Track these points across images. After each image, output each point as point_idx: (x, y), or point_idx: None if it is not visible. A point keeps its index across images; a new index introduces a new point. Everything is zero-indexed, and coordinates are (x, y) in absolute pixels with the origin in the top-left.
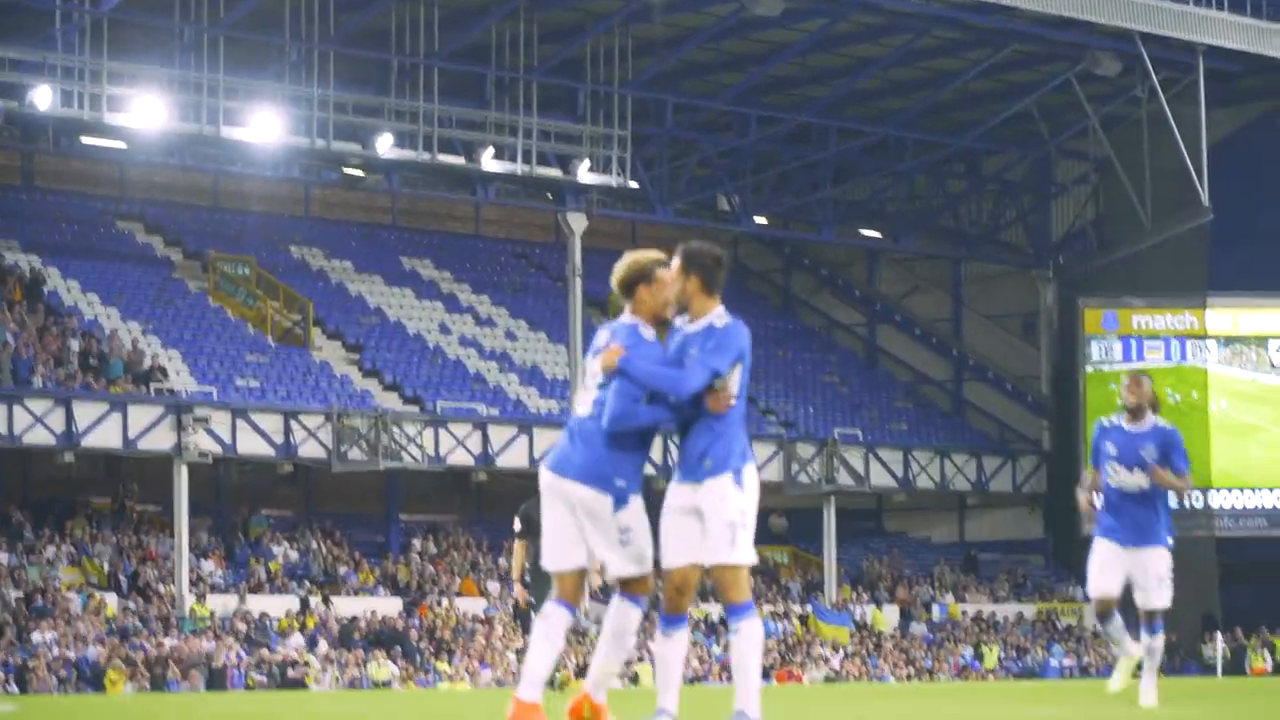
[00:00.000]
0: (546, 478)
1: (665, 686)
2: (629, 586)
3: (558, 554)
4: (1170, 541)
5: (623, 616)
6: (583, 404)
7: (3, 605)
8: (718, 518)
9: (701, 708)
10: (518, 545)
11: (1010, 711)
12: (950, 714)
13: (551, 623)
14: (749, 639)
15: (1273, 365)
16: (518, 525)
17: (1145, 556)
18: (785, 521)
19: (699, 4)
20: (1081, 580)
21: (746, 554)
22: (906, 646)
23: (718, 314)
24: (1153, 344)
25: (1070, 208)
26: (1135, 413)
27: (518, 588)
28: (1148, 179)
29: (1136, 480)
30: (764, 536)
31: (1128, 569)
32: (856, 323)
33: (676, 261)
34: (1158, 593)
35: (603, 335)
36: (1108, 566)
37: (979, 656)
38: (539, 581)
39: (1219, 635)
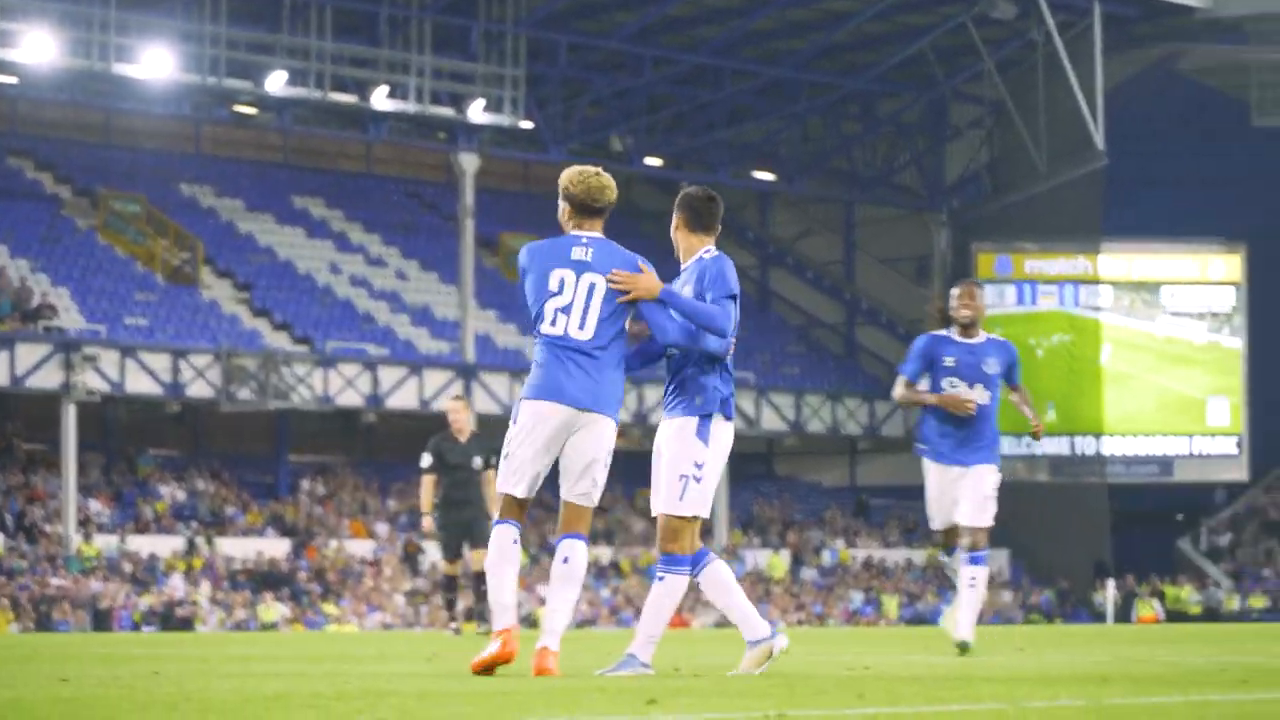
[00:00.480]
0: (549, 408)
1: (642, 630)
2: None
3: (531, 481)
4: (999, 461)
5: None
6: (582, 329)
7: None
8: (673, 467)
9: (590, 650)
10: (426, 480)
11: (902, 659)
12: (841, 661)
13: (507, 543)
14: (668, 591)
15: (1166, 312)
16: (427, 460)
17: (973, 474)
18: None
19: None
20: None
21: (693, 507)
22: (797, 591)
23: (705, 250)
24: (1046, 289)
25: (965, 151)
26: (970, 327)
27: (426, 520)
28: (1043, 123)
29: (978, 395)
30: None
31: (957, 489)
32: (749, 265)
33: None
34: (981, 512)
35: (582, 252)
36: (945, 493)
37: (870, 602)
38: (449, 516)
39: (1110, 582)
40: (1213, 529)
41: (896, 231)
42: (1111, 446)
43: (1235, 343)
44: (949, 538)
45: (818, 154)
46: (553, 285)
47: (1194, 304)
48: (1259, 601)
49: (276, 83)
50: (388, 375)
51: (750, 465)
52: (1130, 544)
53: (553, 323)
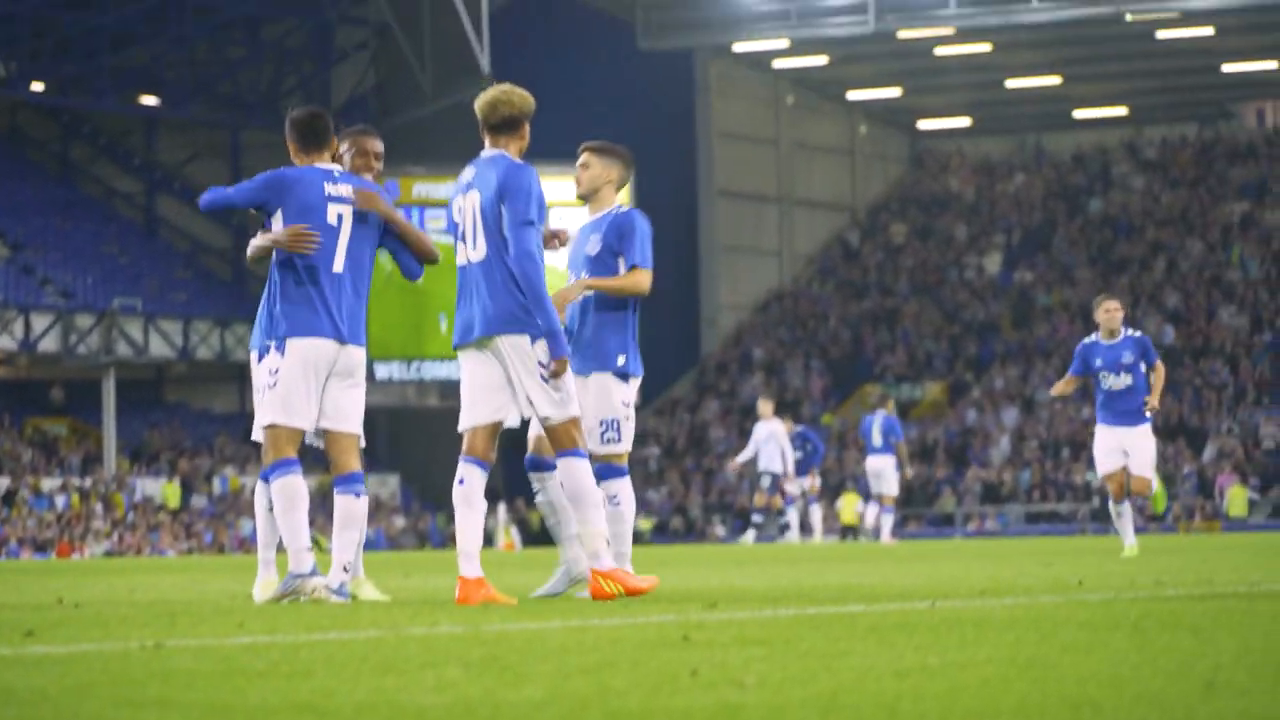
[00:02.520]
0: None
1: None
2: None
3: None
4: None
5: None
6: None
7: None
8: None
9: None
10: None
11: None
12: (225, 589)
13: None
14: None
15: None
16: None
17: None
18: (64, 393)
19: None
20: None
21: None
22: (188, 520)
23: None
24: (434, 213)
25: (351, 75)
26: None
27: None
28: (428, 45)
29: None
30: (43, 408)
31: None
32: (136, 191)
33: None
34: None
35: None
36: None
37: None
38: None
39: (501, 506)
40: None
41: (283, 155)
42: None
43: None
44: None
45: (203, 78)
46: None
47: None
48: (646, 524)
49: None
50: None
51: (139, 392)
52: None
53: None
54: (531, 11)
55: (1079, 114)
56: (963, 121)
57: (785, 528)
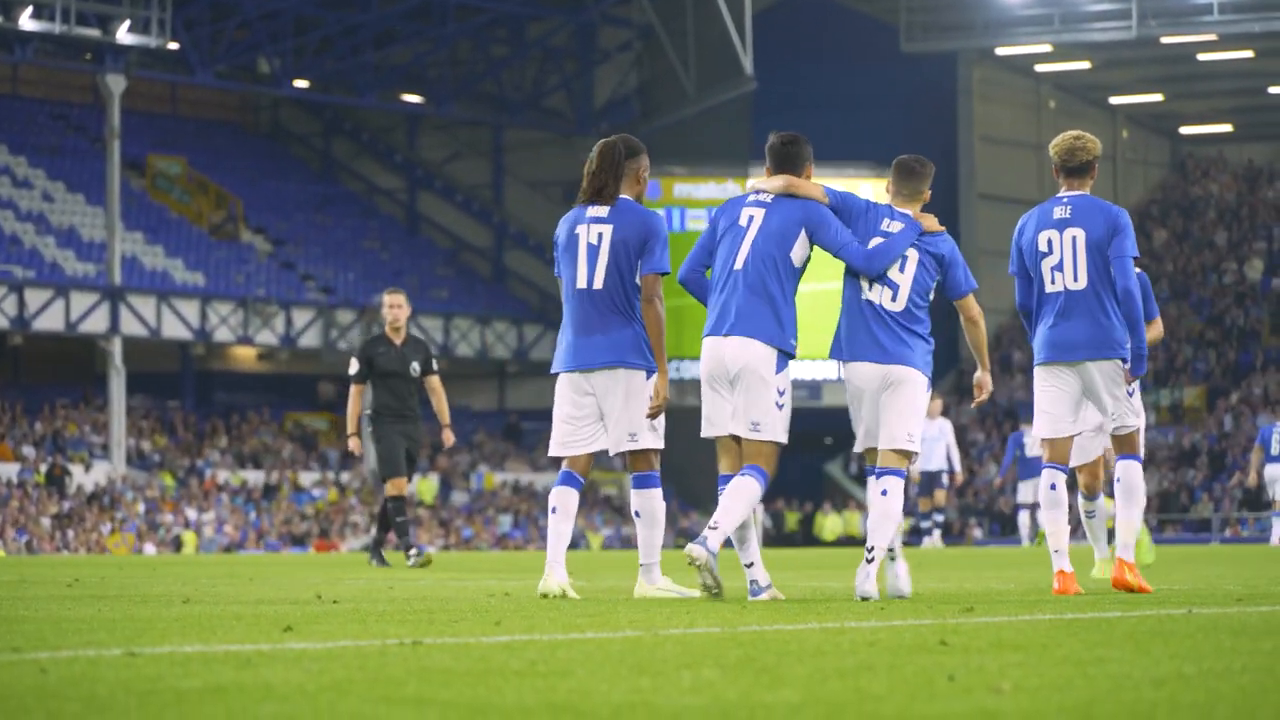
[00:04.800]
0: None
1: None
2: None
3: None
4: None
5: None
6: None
7: None
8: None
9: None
10: (355, 390)
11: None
12: (483, 587)
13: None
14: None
15: None
16: (355, 367)
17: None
18: (334, 387)
19: None
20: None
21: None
22: (446, 516)
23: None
24: (694, 213)
25: (613, 75)
26: None
27: (353, 440)
28: (692, 47)
29: None
30: (310, 403)
31: None
32: (397, 188)
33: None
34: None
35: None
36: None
37: (519, 525)
38: (388, 429)
39: (759, 507)
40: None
41: (545, 155)
42: None
43: None
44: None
45: (466, 77)
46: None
47: None
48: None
49: None
50: (34, 297)
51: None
52: (779, 468)
53: None
54: (795, 14)
55: None
56: (1224, 127)
57: (928, 531)
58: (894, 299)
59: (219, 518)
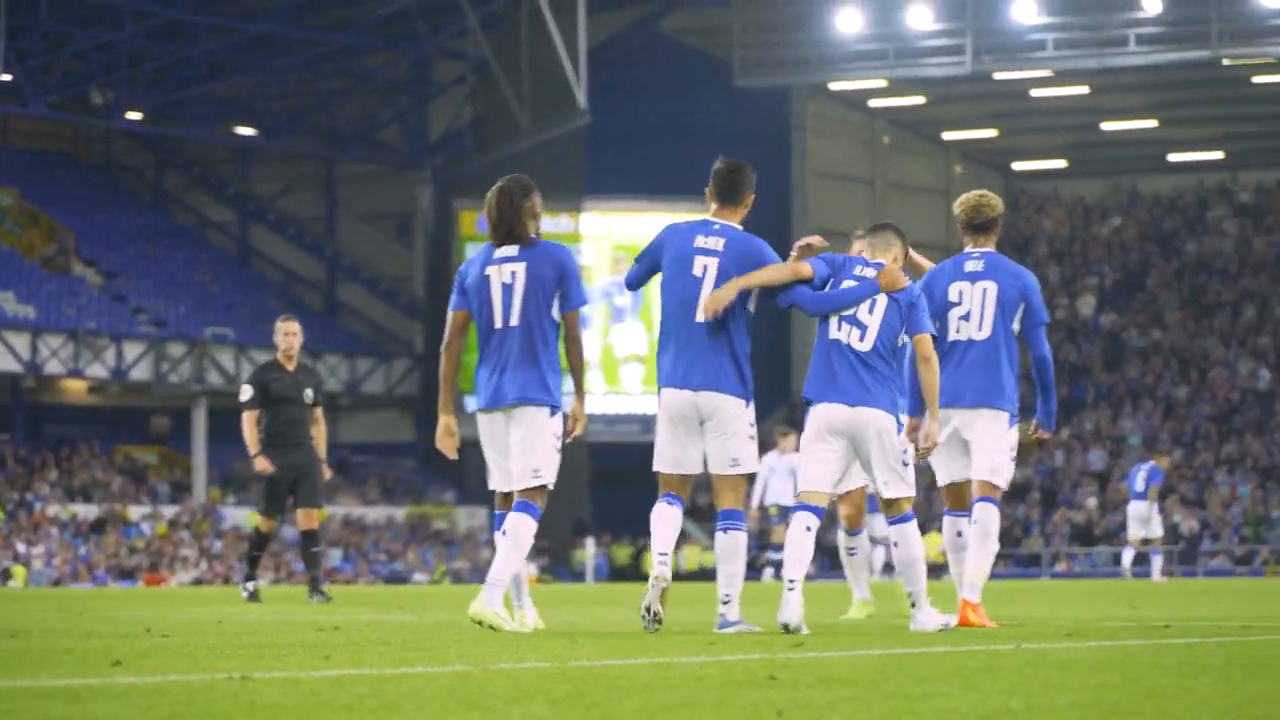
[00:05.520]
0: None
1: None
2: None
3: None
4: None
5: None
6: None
7: None
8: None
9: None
10: (249, 416)
11: (376, 619)
12: (312, 621)
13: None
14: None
15: None
16: (248, 393)
17: None
18: (167, 420)
19: None
20: (454, 483)
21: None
22: (278, 550)
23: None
24: None
25: (448, 108)
26: None
27: (260, 461)
28: (526, 80)
29: None
30: (141, 436)
31: None
32: (229, 221)
33: None
34: None
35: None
36: None
37: (348, 559)
38: (273, 459)
39: (590, 540)
40: (694, 487)
41: (379, 189)
42: (591, 405)
43: None
44: None
45: (299, 110)
46: None
47: None
48: None
49: None
50: None
51: (230, 422)
52: (611, 501)
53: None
54: (629, 48)
55: (1174, 157)
56: (1058, 163)
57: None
58: (862, 339)
59: (49, 551)
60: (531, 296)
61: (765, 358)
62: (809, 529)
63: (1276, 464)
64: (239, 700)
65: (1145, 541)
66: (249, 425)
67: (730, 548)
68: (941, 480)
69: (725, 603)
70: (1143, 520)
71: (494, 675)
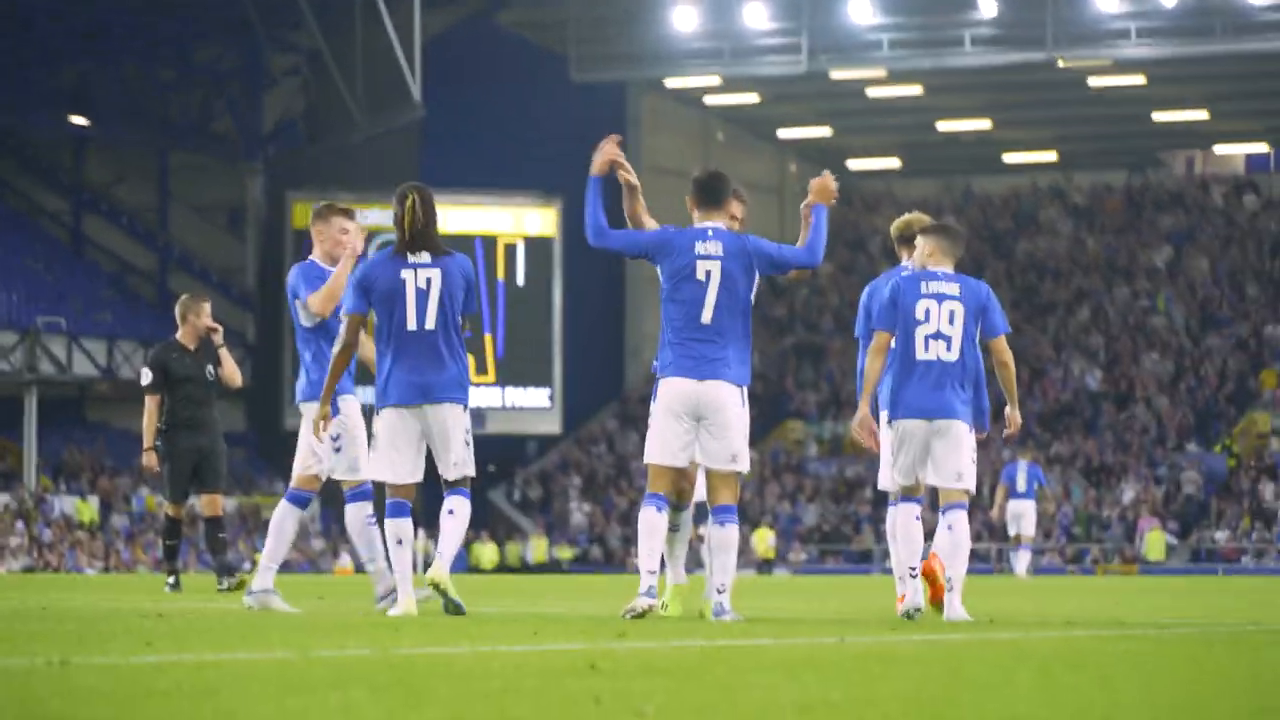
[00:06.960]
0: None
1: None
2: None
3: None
4: None
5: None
6: None
7: None
8: None
9: None
10: (150, 402)
11: (200, 605)
12: (137, 607)
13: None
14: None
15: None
16: (148, 376)
17: None
18: None
19: None
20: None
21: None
22: (107, 539)
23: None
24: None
25: (281, 100)
26: None
27: (149, 455)
28: (360, 73)
29: None
30: None
31: None
32: (62, 210)
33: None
34: None
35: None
36: None
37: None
38: (177, 443)
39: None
40: (525, 481)
41: (211, 180)
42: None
43: (552, 296)
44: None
45: (132, 100)
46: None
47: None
48: (566, 553)
49: None
50: None
51: (61, 411)
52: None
53: None
54: (465, 41)
55: (1009, 158)
56: (893, 162)
57: None
58: (949, 349)
59: None
60: (447, 302)
61: (601, 352)
62: (918, 518)
63: (1107, 464)
64: (56, 685)
65: (1017, 538)
66: (148, 413)
67: (726, 541)
68: (902, 483)
69: (720, 592)
70: (1019, 517)
71: (315, 662)
